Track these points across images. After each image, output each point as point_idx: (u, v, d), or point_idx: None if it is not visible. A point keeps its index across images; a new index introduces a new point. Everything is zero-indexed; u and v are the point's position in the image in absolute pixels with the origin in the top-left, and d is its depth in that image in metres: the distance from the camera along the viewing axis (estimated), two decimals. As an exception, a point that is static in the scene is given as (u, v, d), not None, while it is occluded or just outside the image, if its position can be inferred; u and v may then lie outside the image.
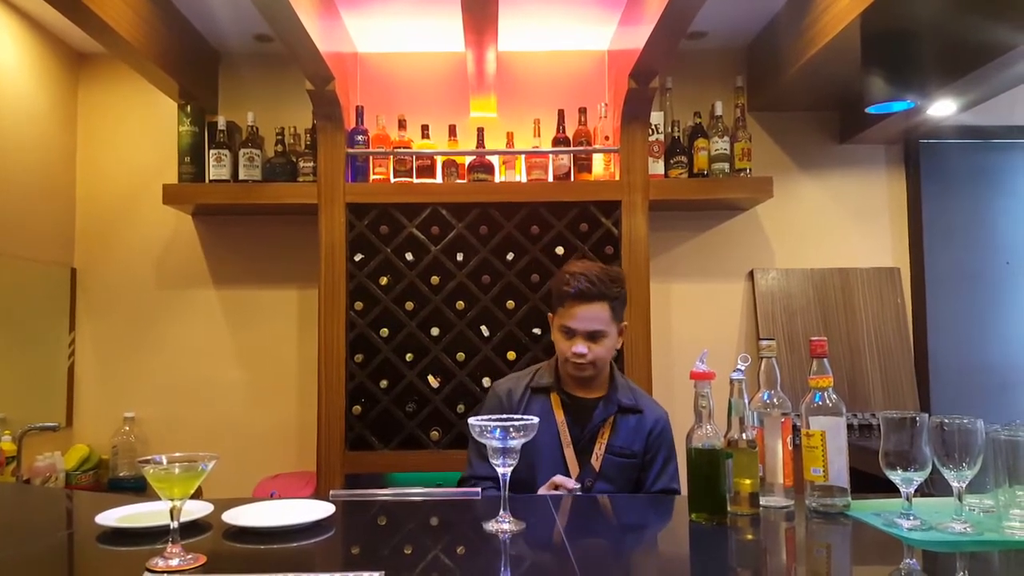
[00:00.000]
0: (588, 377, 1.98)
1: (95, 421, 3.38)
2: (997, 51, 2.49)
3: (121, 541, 1.34)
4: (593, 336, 1.93)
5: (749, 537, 1.40)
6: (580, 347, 1.92)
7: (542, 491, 1.83)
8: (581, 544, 1.40)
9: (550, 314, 2.05)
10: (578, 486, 1.83)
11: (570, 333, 1.95)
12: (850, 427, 3.16)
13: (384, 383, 3.07)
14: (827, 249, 3.52)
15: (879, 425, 1.41)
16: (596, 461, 1.92)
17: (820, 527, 1.46)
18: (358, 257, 3.12)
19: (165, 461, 1.20)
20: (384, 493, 1.75)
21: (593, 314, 1.92)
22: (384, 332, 3.07)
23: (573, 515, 1.61)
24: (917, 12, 2.58)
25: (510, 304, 3.07)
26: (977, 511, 1.41)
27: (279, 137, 3.26)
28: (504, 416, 1.43)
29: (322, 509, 1.44)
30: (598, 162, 3.22)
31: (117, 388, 3.42)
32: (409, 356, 3.07)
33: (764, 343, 1.62)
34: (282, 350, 3.45)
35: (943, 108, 3.02)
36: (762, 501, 1.51)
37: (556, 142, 3.20)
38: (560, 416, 1.97)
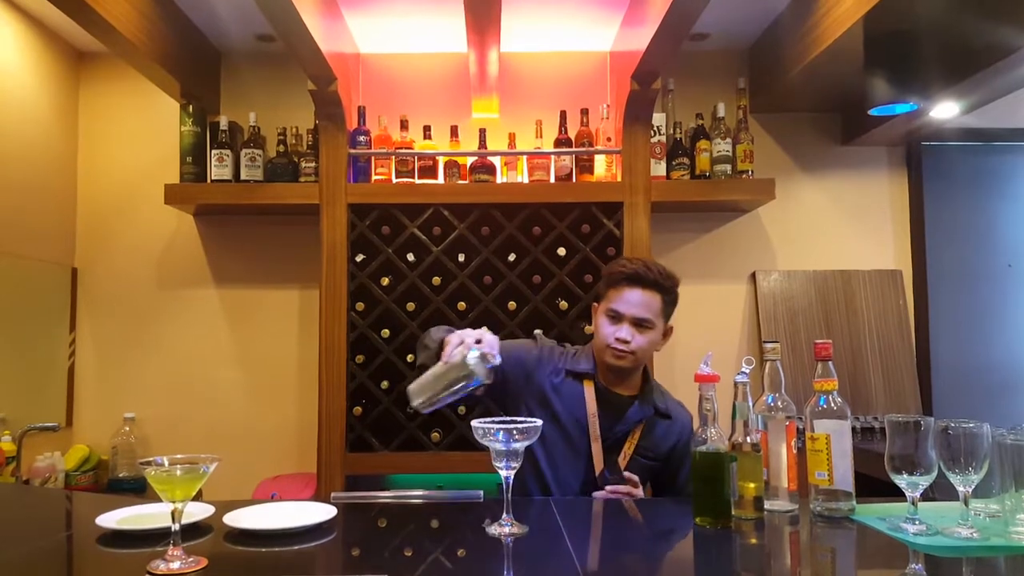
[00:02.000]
0: (625, 369, 1.88)
1: (95, 421, 3.37)
2: (1000, 53, 2.49)
3: (121, 543, 1.33)
4: (640, 324, 1.85)
5: (753, 541, 1.40)
6: (625, 332, 1.84)
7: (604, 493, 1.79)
8: (585, 548, 1.39)
9: (595, 304, 1.97)
10: (640, 492, 1.80)
11: (616, 318, 1.86)
12: (852, 430, 3.15)
13: (385, 384, 3.06)
14: (829, 251, 3.52)
15: (882, 428, 1.41)
16: (623, 460, 1.87)
17: (825, 531, 1.46)
18: (359, 258, 3.11)
19: (167, 463, 1.20)
20: (385, 495, 1.75)
21: (644, 300, 1.85)
22: (385, 333, 3.07)
23: (576, 519, 1.60)
24: (920, 14, 2.58)
25: (512, 305, 3.07)
26: (983, 516, 1.40)
27: (281, 137, 3.25)
28: (507, 419, 1.43)
29: (323, 511, 1.44)
30: (600, 163, 3.22)
31: (117, 388, 3.41)
32: (410, 357, 3.06)
33: (768, 346, 1.61)
34: (283, 351, 3.44)
35: (945, 110, 3.01)
36: (766, 505, 1.50)
37: (558, 143, 3.20)
38: (592, 407, 1.89)
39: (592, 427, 1.87)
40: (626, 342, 1.84)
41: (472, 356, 1.54)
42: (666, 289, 1.87)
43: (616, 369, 1.89)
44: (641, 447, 1.89)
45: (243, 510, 1.45)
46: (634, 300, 1.85)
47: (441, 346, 1.67)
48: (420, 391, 1.60)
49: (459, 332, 1.67)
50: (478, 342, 1.60)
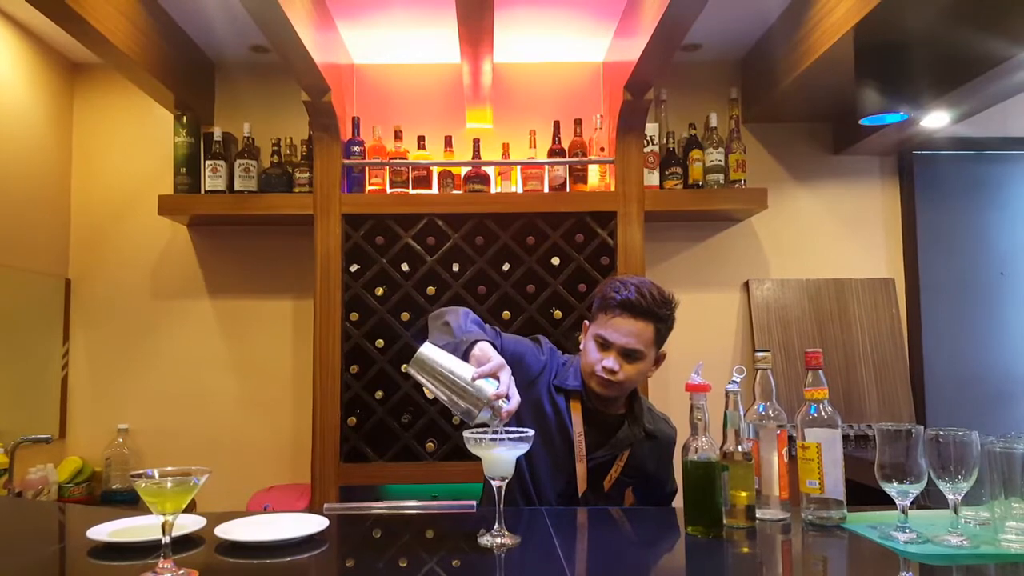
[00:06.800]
0: (609, 398, 1.83)
1: (88, 433, 3.36)
2: (990, 63, 2.51)
3: (113, 556, 1.33)
4: (629, 355, 1.76)
5: (745, 550, 1.40)
6: (611, 362, 1.75)
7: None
8: (577, 558, 1.39)
9: (586, 322, 1.89)
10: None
11: (605, 345, 1.78)
12: (846, 438, 3.16)
13: (379, 394, 3.06)
14: (822, 260, 3.53)
15: (875, 436, 1.41)
16: (608, 483, 1.83)
17: (816, 540, 1.46)
18: (354, 268, 3.11)
19: (157, 475, 1.19)
20: (378, 506, 1.74)
21: (635, 330, 1.75)
22: (380, 343, 3.07)
23: (569, 529, 1.60)
24: (910, 24, 2.60)
25: (506, 314, 3.07)
26: (973, 524, 1.41)
27: (275, 148, 3.26)
28: (502, 428, 1.43)
29: (316, 523, 1.43)
30: (594, 173, 3.23)
31: (111, 399, 3.40)
32: (404, 367, 3.05)
33: (760, 355, 1.61)
34: (277, 361, 3.44)
35: (936, 120, 3.03)
36: (758, 514, 1.50)
37: (552, 153, 3.21)
38: (579, 427, 1.81)
39: (578, 447, 1.80)
40: (613, 372, 1.76)
41: (493, 407, 1.47)
42: (660, 317, 1.78)
43: (601, 397, 1.83)
44: (627, 467, 1.84)
45: (234, 522, 1.45)
46: (625, 330, 1.75)
47: (470, 346, 1.59)
48: (426, 372, 1.52)
49: (498, 361, 1.54)
50: (508, 398, 1.50)
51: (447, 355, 1.55)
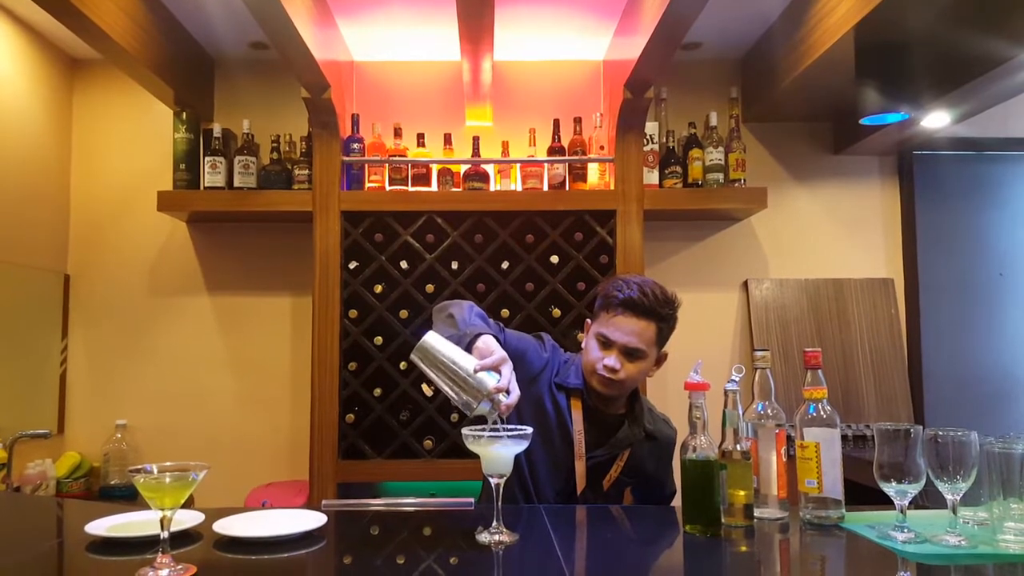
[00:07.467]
0: (610, 396, 1.83)
1: (87, 428, 3.36)
2: (990, 63, 2.51)
3: (111, 551, 1.33)
4: (630, 354, 1.77)
5: (743, 549, 1.40)
6: (612, 360, 1.76)
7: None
8: (575, 556, 1.40)
9: (588, 320, 1.90)
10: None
11: (606, 344, 1.79)
12: (844, 438, 3.16)
13: (378, 391, 3.06)
14: (821, 259, 3.53)
15: (873, 436, 1.41)
16: (608, 482, 1.83)
17: (814, 539, 1.46)
18: (352, 265, 3.11)
19: (155, 470, 1.19)
20: (376, 503, 1.74)
21: (637, 329, 1.76)
22: (378, 340, 3.07)
23: (567, 526, 1.60)
24: (911, 25, 2.60)
25: (505, 312, 3.07)
26: (971, 524, 1.41)
27: (274, 145, 3.25)
28: (497, 426, 1.43)
29: (314, 519, 1.43)
30: (593, 172, 3.23)
31: (109, 395, 3.40)
32: (403, 365, 3.06)
33: (758, 354, 1.61)
34: (275, 358, 3.44)
35: (937, 120, 3.03)
36: (756, 513, 1.50)
37: (551, 151, 3.21)
38: (580, 425, 1.82)
39: (578, 445, 1.81)
40: (614, 371, 1.77)
41: (493, 399, 1.48)
42: (662, 317, 1.79)
43: (602, 396, 1.84)
44: (627, 468, 1.85)
45: (233, 518, 1.45)
46: (626, 328, 1.76)
47: (474, 338, 1.60)
48: (428, 360, 1.53)
49: (500, 354, 1.55)
50: (508, 392, 1.51)
51: (451, 345, 1.57)
